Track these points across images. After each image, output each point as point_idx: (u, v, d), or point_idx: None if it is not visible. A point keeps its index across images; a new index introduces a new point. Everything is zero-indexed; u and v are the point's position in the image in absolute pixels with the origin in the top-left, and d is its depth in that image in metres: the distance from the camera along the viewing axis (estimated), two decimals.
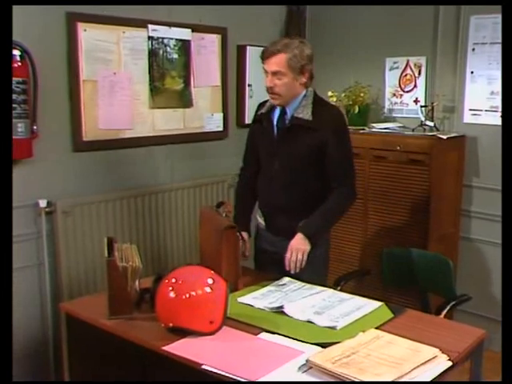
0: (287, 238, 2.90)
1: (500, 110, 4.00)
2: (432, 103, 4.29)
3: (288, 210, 2.98)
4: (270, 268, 3.06)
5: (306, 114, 2.88)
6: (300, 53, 2.82)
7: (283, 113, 2.96)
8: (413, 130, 4.28)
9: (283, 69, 2.80)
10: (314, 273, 2.91)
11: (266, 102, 3.07)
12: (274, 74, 2.82)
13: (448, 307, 3.01)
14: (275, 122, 3.00)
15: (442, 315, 2.95)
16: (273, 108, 3.02)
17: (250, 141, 3.19)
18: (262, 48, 2.94)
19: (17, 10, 3.01)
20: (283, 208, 2.98)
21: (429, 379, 2.03)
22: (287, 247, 2.88)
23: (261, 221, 3.16)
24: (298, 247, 2.84)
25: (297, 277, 2.88)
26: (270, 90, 2.88)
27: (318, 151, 2.88)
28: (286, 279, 2.89)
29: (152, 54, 3.94)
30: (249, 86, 4.56)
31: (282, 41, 2.85)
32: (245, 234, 3.08)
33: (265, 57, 2.84)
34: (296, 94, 2.90)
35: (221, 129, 4.48)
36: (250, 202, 3.20)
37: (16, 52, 3.16)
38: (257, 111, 3.14)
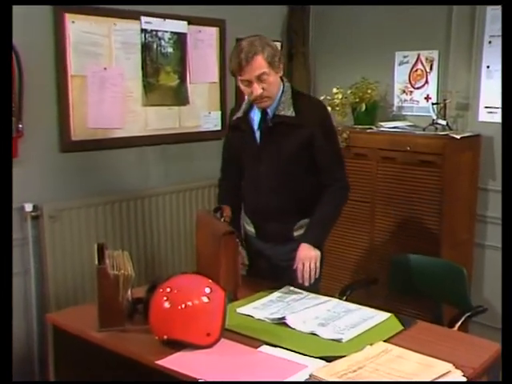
0: (278, 243, 2.97)
1: None
2: (444, 100, 4.29)
3: (278, 214, 2.98)
4: (263, 276, 3.06)
5: (287, 110, 2.89)
6: (270, 47, 2.83)
7: (264, 114, 2.94)
8: (424, 130, 4.28)
9: (266, 69, 2.79)
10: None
11: (239, 106, 3.08)
12: (259, 78, 2.80)
13: (462, 319, 3.00)
14: (256, 126, 2.98)
15: (456, 328, 2.94)
16: (249, 110, 3.02)
17: (228, 150, 3.19)
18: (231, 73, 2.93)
19: None
20: (273, 213, 2.99)
21: None
22: (280, 252, 2.94)
23: (249, 228, 3.15)
24: (308, 256, 2.84)
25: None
26: (258, 99, 2.86)
27: (305, 147, 2.90)
28: (289, 288, 2.89)
29: (145, 47, 3.95)
30: None
31: (244, 46, 2.78)
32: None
33: (240, 68, 2.79)
34: (279, 90, 2.91)
35: (219, 128, 4.49)
36: (237, 210, 3.19)
37: None
38: (231, 117, 3.14)
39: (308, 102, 3.00)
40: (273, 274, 2.98)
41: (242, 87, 2.87)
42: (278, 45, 2.90)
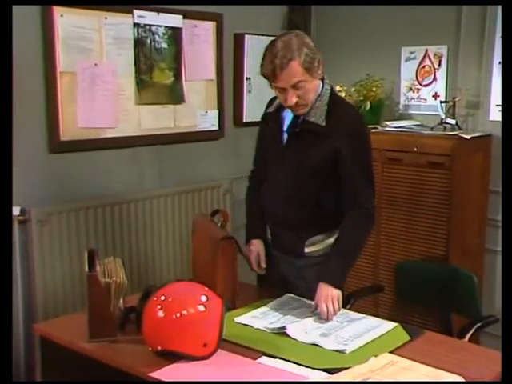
0: (290, 256, 2.93)
1: None
2: (454, 98, 4.30)
3: (292, 225, 2.91)
4: (272, 285, 3.05)
5: (318, 117, 2.77)
6: (307, 49, 2.68)
7: (296, 116, 2.85)
8: (432, 129, 4.28)
9: (302, 77, 2.67)
10: (308, 290, 2.86)
11: (275, 98, 2.95)
12: (294, 86, 2.68)
13: (473, 329, 3.00)
14: (285, 127, 2.90)
15: (466, 338, 2.93)
16: (282, 107, 2.90)
17: (260, 141, 3.12)
18: (262, 37, 2.92)
19: None
20: (287, 222, 2.92)
21: None
22: (291, 267, 2.94)
23: (268, 235, 3.08)
24: (329, 295, 2.70)
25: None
26: (294, 107, 2.76)
27: (330, 162, 2.78)
28: (289, 296, 2.89)
29: (138, 43, 3.95)
30: (247, 79, 4.56)
31: (279, 50, 2.65)
32: (257, 243, 3.02)
33: (274, 76, 2.66)
34: (316, 94, 2.80)
35: (216, 128, 4.48)
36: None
37: None
38: (266, 108, 3.04)
39: (343, 112, 2.83)
40: (283, 287, 2.96)
41: (277, 93, 2.78)
42: None
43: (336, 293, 2.71)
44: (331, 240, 2.88)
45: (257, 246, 3.01)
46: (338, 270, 2.80)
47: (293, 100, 2.70)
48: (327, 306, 2.67)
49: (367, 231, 2.92)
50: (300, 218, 2.88)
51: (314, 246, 2.92)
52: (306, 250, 2.92)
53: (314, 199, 2.86)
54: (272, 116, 2.96)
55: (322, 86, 2.83)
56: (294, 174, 2.87)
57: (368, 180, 2.87)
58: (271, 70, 2.66)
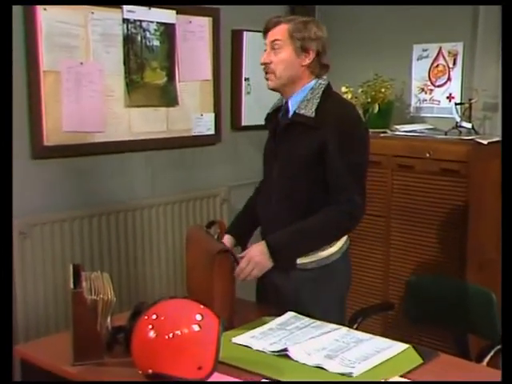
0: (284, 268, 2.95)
1: None
2: (470, 100, 4.30)
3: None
4: (269, 302, 3.07)
5: (309, 109, 2.88)
6: (305, 27, 2.89)
7: (286, 110, 2.98)
8: (446, 134, 4.29)
9: (281, 37, 2.87)
10: (324, 315, 2.88)
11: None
12: (272, 46, 2.89)
13: (492, 352, 2.98)
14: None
15: (485, 362, 2.93)
16: (279, 107, 3.05)
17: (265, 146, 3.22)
18: (262, 34, 2.96)
19: None
20: (277, 230, 2.94)
21: None
22: (285, 279, 2.94)
23: None
24: (257, 261, 2.84)
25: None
26: (265, 69, 2.94)
27: (317, 154, 2.86)
28: (291, 314, 2.88)
29: (128, 40, 3.96)
30: (246, 80, 4.57)
31: (292, 15, 3.00)
32: (226, 238, 3.11)
33: (266, 30, 2.94)
34: (296, 78, 2.92)
35: (212, 132, 4.49)
36: (253, 215, 3.19)
37: None
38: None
39: (335, 102, 2.95)
40: (282, 304, 2.97)
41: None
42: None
43: (265, 263, 2.85)
44: (324, 253, 2.95)
45: (225, 242, 3.07)
46: (284, 240, 2.89)
47: (265, 58, 2.92)
48: (246, 268, 2.82)
49: (341, 228, 2.95)
50: (293, 219, 2.91)
51: (307, 258, 2.94)
52: (298, 261, 2.94)
53: (307, 199, 2.92)
54: (270, 117, 3.11)
55: (317, 81, 2.95)
56: (285, 168, 2.95)
57: (355, 179, 2.89)
58: (266, 23, 2.95)
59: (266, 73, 2.93)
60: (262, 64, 2.94)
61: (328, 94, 2.93)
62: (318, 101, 2.89)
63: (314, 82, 2.94)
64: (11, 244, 3.46)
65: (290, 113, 2.96)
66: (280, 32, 2.88)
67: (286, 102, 2.99)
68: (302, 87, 2.93)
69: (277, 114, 3.06)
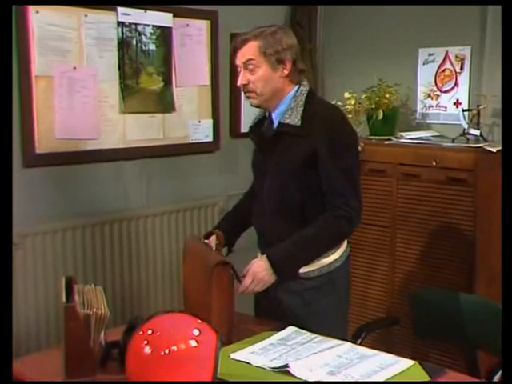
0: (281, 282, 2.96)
1: None
2: (478, 106, 4.30)
3: (280, 241, 2.96)
4: (269, 315, 3.07)
5: (294, 118, 2.91)
6: (274, 38, 2.88)
7: (270, 122, 3.03)
8: (453, 141, 4.29)
9: (254, 56, 2.87)
10: (322, 328, 2.89)
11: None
12: (246, 66, 2.90)
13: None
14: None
15: (496, 379, 2.92)
16: (262, 119, 3.11)
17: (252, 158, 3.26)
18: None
19: None
20: (274, 241, 2.98)
21: None
22: (284, 291, 2.97)
23: (260, 256, 3.15)
24: (261, 277, 2.88)
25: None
26: (244, 89, 2.96)
27: (308, 162, 2.89)
28: (292, 329, 2.88)
29: (123, 44, 3.96)
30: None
31: (255, 29, 2.93)
32: (213, 238, 3.14)
33: (235, 50, 2.94)
34: (278, 90, 2.94)
35: (210, 139, 4.50)
36: (243, 215, 3.25)
37: None
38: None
39: (319, 107, 2.98)
40: (283, 317, 2.97)
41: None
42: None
43: (268, 279, 2.89)
44: (326, 260, 2.98)
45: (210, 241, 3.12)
46: (286, 254, 2.93)
47: (242, 80, 2.93)
48: (251, 285, 2.87)
49: (340, 233, 2.99)
50: (289, 233, 2.94)
51: (309, 266, 2.96)
52: (301, 270, 2.96)
53: (300, 210, 2.96)
54: (253, 129, 3.16)
55: (298, 88, 2.98)
56: (276, 179, 2.98)
57: (349, 183, 2.94)
58: (233, 42, 2.97)
59: (246, 92, 2.96)
60: (241, 87, 2.97)
61: (311, 100, 2.97)
62: (302, 108, 2.93)
63: (294, 89, 2.98)
64: (11, 258, 3.45)
65: (275, 124, 2.99)
66: (250, 51, 2.88)
67: (270, 114, 3.03)
68: (283, 98, 2.96)
69: (260, 126, 3.11)
